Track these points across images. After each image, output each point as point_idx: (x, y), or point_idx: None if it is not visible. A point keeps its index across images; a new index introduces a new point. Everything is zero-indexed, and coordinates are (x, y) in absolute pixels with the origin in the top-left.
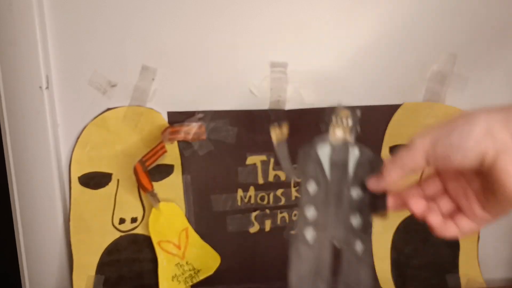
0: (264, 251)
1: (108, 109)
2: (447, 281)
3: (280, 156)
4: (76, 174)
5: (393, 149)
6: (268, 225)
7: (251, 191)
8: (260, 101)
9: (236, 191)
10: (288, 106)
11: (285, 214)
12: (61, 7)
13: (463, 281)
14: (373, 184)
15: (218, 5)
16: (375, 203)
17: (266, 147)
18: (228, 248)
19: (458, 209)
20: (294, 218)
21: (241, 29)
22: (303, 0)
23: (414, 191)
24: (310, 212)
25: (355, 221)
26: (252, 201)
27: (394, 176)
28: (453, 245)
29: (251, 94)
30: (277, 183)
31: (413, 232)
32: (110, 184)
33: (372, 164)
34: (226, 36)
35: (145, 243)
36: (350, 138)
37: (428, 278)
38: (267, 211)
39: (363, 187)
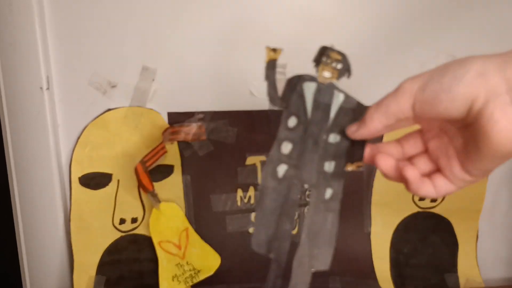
0: None
1: (109, 110)
2: (446, 281)
3: (267, 77)
4: (76, 174)
5: None
6: None
7: (251, 191)
8: (260, 102)
9: (236, 191)
10: None
11: None
12: (61, 7)
13: (462, 280)
14: (353, 131)
15: (218, 5)
16: (352, 151)
17: (266, 147)
18: (228, 248)
19: (436, 170)
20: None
21: (241, 29)
22: (303, 1)
23: (392, 147)
24: (286, 149)
25: (328, 167)
26: (252, 201)
27: (377, 124)
28: (452, 245)
29: (251, 95)
30: None
31: (412, 232)
32: (110, 184)
33: (355, 113)
34: (226, 36)
35: (145, 243)
36: (337, 81)
37: (427, 277)
38: None
39: (342, 134)
